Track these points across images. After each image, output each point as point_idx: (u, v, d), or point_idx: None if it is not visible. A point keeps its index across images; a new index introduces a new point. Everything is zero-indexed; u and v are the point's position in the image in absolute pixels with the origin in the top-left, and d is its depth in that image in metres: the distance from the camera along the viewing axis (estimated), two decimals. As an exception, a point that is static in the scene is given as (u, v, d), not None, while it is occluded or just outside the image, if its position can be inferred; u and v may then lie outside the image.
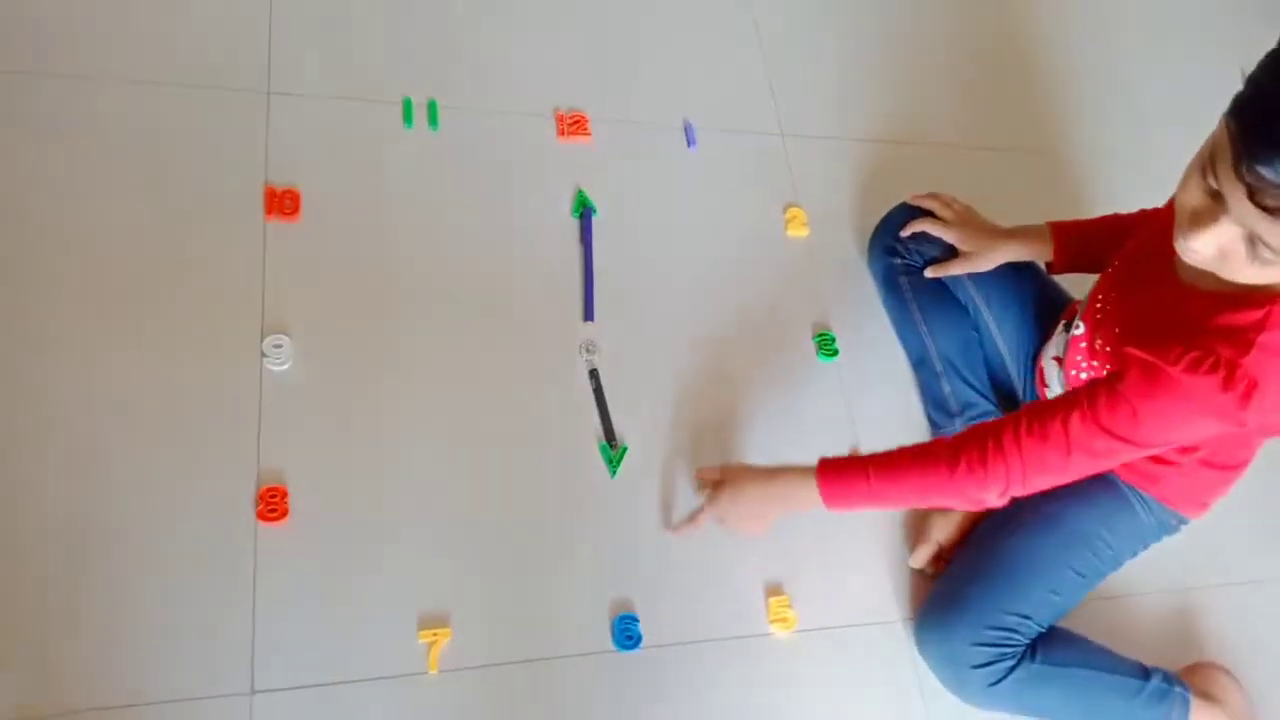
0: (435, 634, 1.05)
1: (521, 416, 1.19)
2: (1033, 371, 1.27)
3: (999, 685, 1.10)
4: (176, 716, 0.96)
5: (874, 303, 1.40)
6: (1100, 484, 1.13)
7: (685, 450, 1.23)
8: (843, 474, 1.03)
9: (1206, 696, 1.19)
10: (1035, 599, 1.12)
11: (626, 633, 1.10)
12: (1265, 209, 0.78)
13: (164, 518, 1.03)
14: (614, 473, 1.19)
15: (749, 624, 1.15)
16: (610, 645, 1.10)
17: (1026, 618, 1.11)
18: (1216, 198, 0.82)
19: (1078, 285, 1.26)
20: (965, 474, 0.98)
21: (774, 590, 1.18)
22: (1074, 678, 1.13)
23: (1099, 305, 1.10)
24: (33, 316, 1.08)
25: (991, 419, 1.26)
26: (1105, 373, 1.07)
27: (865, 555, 1.24)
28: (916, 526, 1.24)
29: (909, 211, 1.35)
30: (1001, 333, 1.30)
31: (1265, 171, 0.76)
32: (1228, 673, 1.24)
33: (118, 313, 1.10)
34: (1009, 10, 1.81)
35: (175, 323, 1.11)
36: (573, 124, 1.38)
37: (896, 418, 1.34)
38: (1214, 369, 0.88)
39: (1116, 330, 1.04)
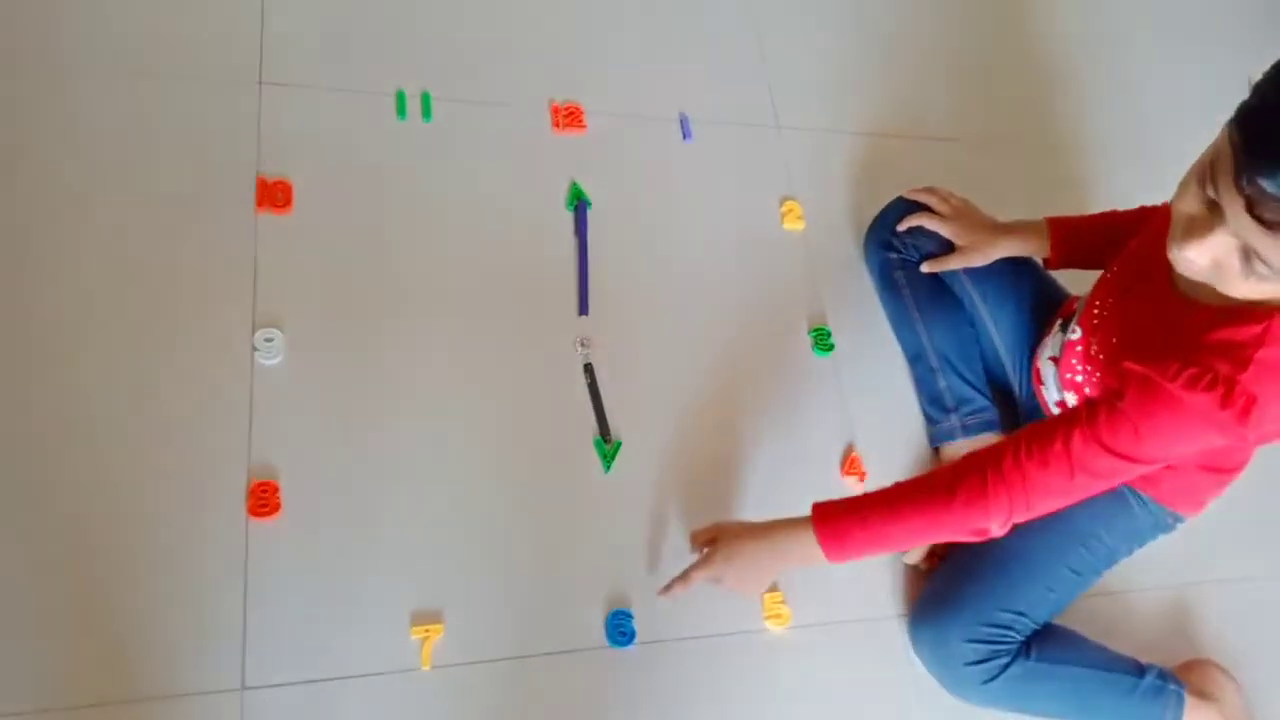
0: (428, 630, 1.04)
1: (515, 411, 1.18)
2: (1029, 368, 1.27)
3: (993, 683, 1.09)
4: (167, 713, 0.96)
5: (870, 297, 1.39)
6: (1096, 482, 1.12)
7: (680, 448, 1.22)
8: (840, 521, 1.00)
9: (1202, 694, 1.19)
10: (1030, 596, 1.12)
11: (620, 629, 1.10)
12: (1263, 223, 0.76)
13: (154, 513, 1.02)
14: (608, 468, 1.18)
15: (743, 620, 1.15)
16: (604, 641, 1.10)
17: (1021, 615, 1.11)
18: (1214, 208, 0.81)
19: (1076, 281, 1.26)
20: (965, 506, 0.96)
21: (768, 586, 1.17)
22: (1068, 675, 1.12)
23: (1096, 311, 1.09)
24: (21, 310, 1.07)
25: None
26: (1097, 378, 1.07)
27: (860, 551, 1.23)
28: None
29: (906, 206, 1.34)
30: (998, 328, 1.29)
31: (1266, 184, 0.74)
32: (1223, 670, 1.24)
33: (107, 305, 1.09)
34: (1008, 2, 1.79)
35: (165, 316, 1.10)
36: (567, 116, 1.37)
37: (892, 413, 1.33)
38: (1212, 386, 0.87)
39: (1114, 340, 1.04)
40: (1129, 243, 1.09)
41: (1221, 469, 1.09)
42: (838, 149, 1.50)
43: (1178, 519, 1.16)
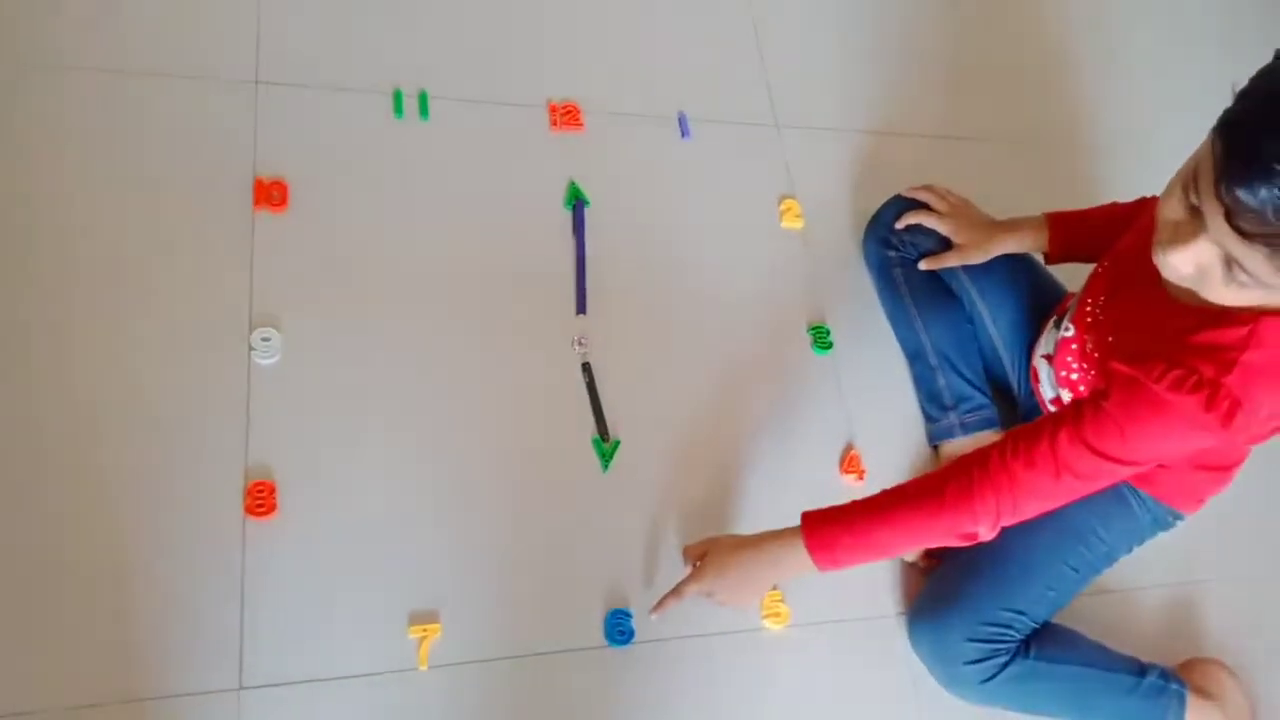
0: (425, 630, 1.04)
1: (513, 410, 1.18)
2: (1027, 365, 1.26)
3: (992, 681, 1.09)
4: (165, 713, 0.95)
5: (869, 295, 1.39)
6: (1095, 479, 1.12)
7: (679, 447, 1.22)
8: (828, 528, 0.99)
9: (1203, 693, 1.18)
10: (1029, 595, 1.11)
11: (619, 628, 1.10)
12: (1241, 233, 0.76)
13: (151, 513, 1.02)
14: (606, 467, 1.18)
15: (742, 619, 1.14)
16: (602, 640, 1.10)
17: (1021, 613, 1.10)
18: (1197, 214, 0.80)
19: (1075, 278, 1.25)
20: (952, 508, 0.95)
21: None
22: (1068, 675, 1.12)
23: (1088, 309, 1.09)
24: (17, 308, 1.07)
25: (984, 417, 1.26)
26: (1092, 375, 1.06)
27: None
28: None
29: (904, 203, 1.34)
30: (997, 326, 1.29)
31: (1244, 195, 0.74)
32: (1226, 669, 1.24)
33: (103, 304, 1.09)
34: (1006, 0, 1.79)
35: (161, 315, 1.10)
36: (565, 115, 1.36)
37: (891, 411, 1.33)
38: (1196, 389, 0.87)
39: (1109, 339, 1.03)
40: (1120, 238, 1.09)
41: (1216, 467, 1.09)
42: (837, 147, 1.50)
43: (1177, 516, 1.15)
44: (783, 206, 1.42)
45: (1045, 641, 1.13)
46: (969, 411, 1.27)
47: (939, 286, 1.32)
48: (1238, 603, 1.34)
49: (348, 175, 1.24)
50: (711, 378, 1.27)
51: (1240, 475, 1.12)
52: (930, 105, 1.60)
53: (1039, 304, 1.26)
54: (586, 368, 1.23)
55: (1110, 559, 1.16)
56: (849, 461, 1.26)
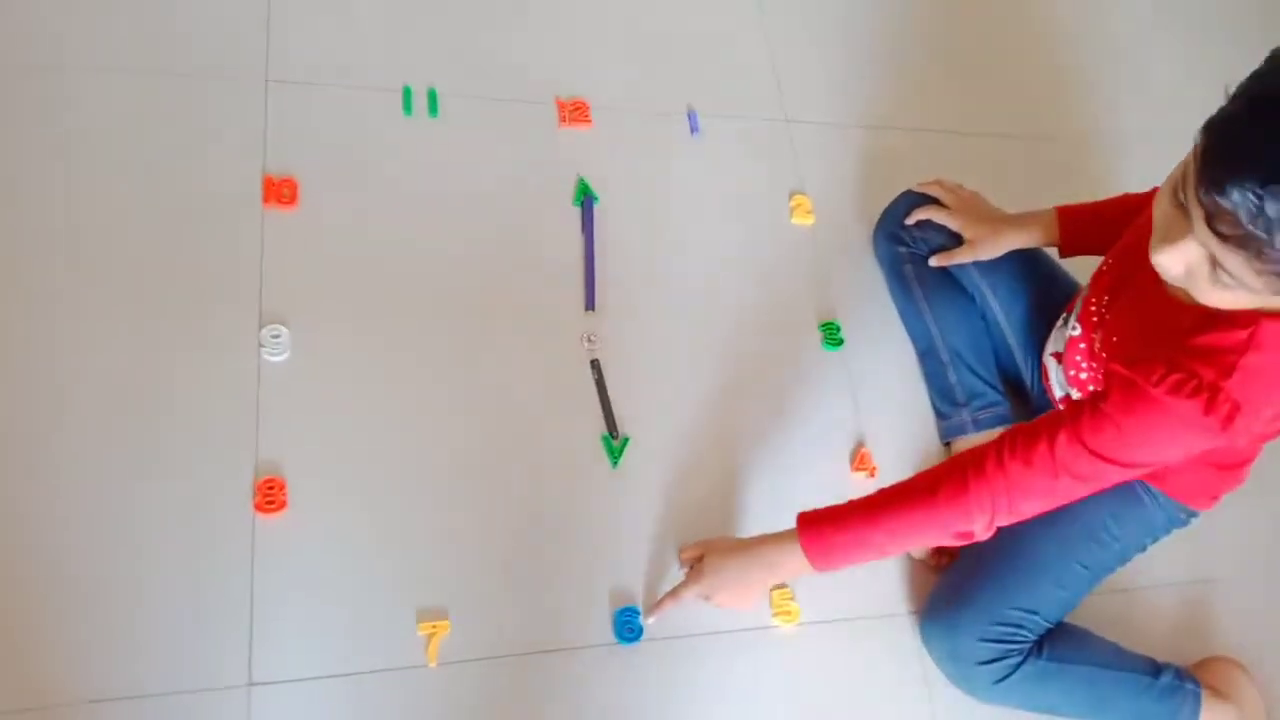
0: (434, 626, 1.04)
1: (522, 407, 1.18)
2: (1040, 361, 1.25)
3: (1005, 681, 1.08)
4: (174, 709, 0.96)
5: (880, 291, 1.38)
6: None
7: (688, 443, 1.21)
8: (823, 528, 0.99)
9: (1218, 693, 1.17)
10: (1041, 594, 1.10)
11: (628, 625, 1.09)
12: (1220, 235, 0.76)
13: (161, 509, 1.02)
14: (615, 464, 1.18)
15: (752, 617, 1.14)
16: (611, 638, 1.09)
17: (1033, 613, 1.10)
18: (1186, 215, 0.80)
19: (1088, 272, 1.24)
20: (946, 506, 0.94)
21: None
22: (1082, 675, 1.11)
23: (1093, 308, 1.08)
24: (29, 307, 1.07)
25: (994, 412, 1.26)
26: (1102, 375, 1.05)
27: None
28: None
29: (914, 199, 1.33)
30: (1009, 322, 1.28)
31: (1220, 199, 0.74)
32: (1241, 668, 1.22)
33: (114, 302, 1.10)
34: (1019, -6, 1.78)
35: (172, 313, 1.11)
36: (574, 111, 1.36)
37: (902, 408, 1.32)
38: (1196, 393, 0.86)
39: (1115, 340, 1.02)
40: (1123, 235, 1.08)
41: (1228, 465, 1.07)
42: (847, 143, 1.49)
43: (1190, 514, 1.14)
44: (793, 202, 1.41)
45: (1058, 642, 1.12)
46: (981, 408, 1.26)
47: (950, 282, 1.31)
48: (1252, 601, 1.33)
49: (357, 173, 1.24)
50: (721, 374, 1.27)
51: (1254, 471, 1.10)
52: (941, 100, 1.59)
53: (1051, 299, 1.25)
54: (595, 364, 1.22)
55: (1123, 557, 1.15)
56: (860, 459, 1.26)
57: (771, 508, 1.19)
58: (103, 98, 1.19)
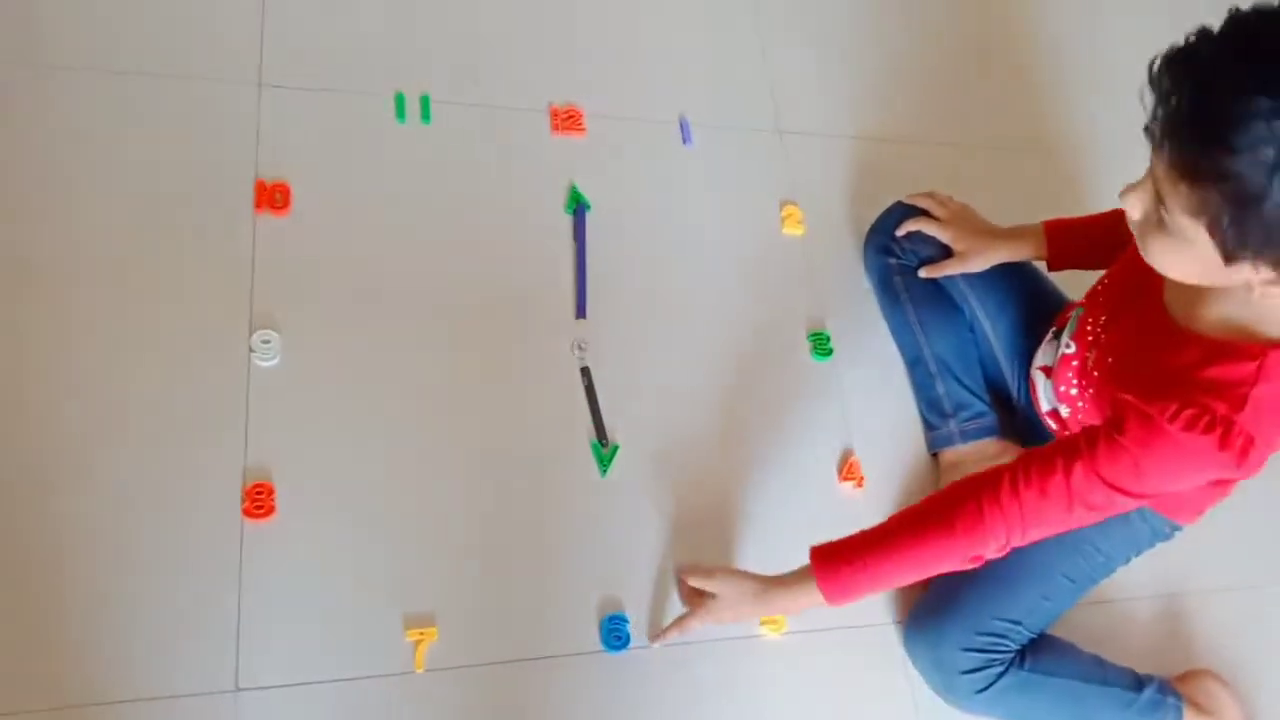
0: (421, 633, 1.04)
1: (512, 414, 1.18)
2: (1027, 374, 1.26)
3: (987, 692, 1.09)
4: (160, 714, 0.96)
5: (869, 302, 1.38)
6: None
7: (677, 452, 1.22)
8: (839, 566, 0.99)
9: (1200, 707, 1.18)
10: (1026, 604, 1.11)
11: (615, 633, 1.10)
12: (1166, 162, 0.78)
13: (149, 514, 1.02)
14: (604, 472, 1.18)
15: (738, 626, 1.14)
16: (599, 646, 1.10)
17: (1017, 623, 1.10)
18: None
19: (1077, 285, 1.25)
20: (964, 535, 0.95)
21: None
22: (1064, 688, 1.12)
23: (1089, 328, 1.08)
24: (17, 310, 1.07)
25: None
26: (1092, 393, 1.06)
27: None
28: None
29: (905, 210, 1.34)
30: (996, 334, 1.29)
31: (1151, 88, 0.78)
32: (1222, 681, 1.23)
33: (104, 306, 1.10)
34: (1007, 5, 1.79)
35: (162, 317, 1.11)
36: (567, 119, 1.37)
37: (891, 418, 1.32)
38: (1210, 428, 0.86)
39: (1110, 360, 1.03)
40: (1121, 252, 1.08)
41: (1219, 482, 1.08)
42: (838, 154, 1.50)
43: (1175, 528, 1.15)
44: (784, 213, 1.42)
45: (1041, 653, 1.12)
46: (968, 419, 1.27)
47: (939, 294, 1.32)
48: (1233, 613, 1.34)
49: (350, 178, 1.24)
50: (711, 383, 1.27)
51: (1239, 485, 1.11)
52: (933, 112, 1.60)
53: (1039, 313, 1.26)
54: (585, 372, 1.23)
55: (1107, 570, 1.15)
56: (848, 468, 1.26)
57: (760, 516, 1.20)
58: (95, 100, 1.19)
